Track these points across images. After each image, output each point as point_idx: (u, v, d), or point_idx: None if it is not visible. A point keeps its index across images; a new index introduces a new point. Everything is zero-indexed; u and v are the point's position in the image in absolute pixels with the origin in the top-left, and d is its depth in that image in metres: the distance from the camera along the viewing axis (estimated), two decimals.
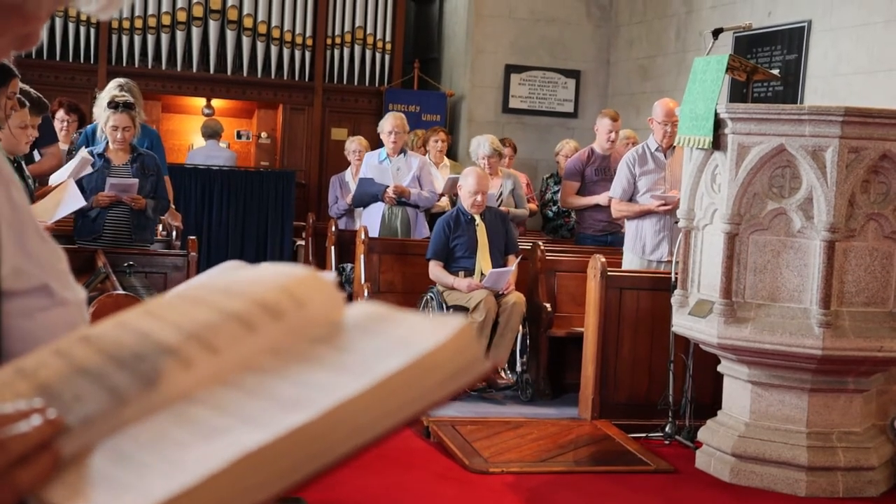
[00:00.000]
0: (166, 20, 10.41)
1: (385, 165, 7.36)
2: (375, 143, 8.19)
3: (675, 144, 5.71)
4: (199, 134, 10.25)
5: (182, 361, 0.76)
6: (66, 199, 5.16)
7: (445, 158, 8.36)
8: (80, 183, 5.49)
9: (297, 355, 0.77)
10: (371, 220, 7.29)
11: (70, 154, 6.29)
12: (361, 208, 7.59)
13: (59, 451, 0.73)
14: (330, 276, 0.91)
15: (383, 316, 0.80)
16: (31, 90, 5.23)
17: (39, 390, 0.77)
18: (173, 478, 0.68)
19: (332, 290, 0.83)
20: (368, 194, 7.37)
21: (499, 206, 7.03)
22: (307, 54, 10.80)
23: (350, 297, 7.02)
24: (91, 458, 0.73)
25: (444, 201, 7.71)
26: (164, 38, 10.43)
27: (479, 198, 6.40)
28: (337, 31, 10.89)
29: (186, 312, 0.81)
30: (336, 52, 10.89)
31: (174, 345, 0.77)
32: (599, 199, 7.31)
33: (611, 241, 7.33)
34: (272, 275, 0.84)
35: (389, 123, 7.41)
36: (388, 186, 7.23)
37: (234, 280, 0.85)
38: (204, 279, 0.99)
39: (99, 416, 0.75)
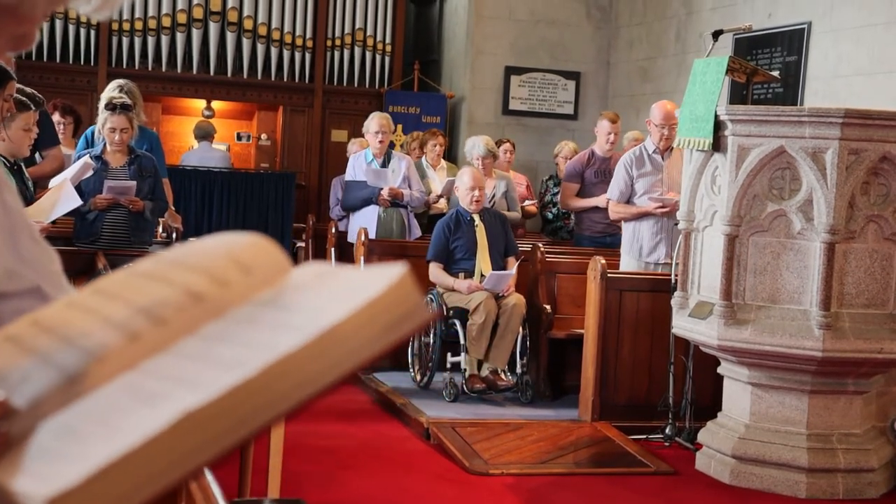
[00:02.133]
0: (166, 22, 10.42)
1: (374, 166, 7.33)
2: None
3: (674, 146, 5.71)
4: None
5: (129, 335, 0.77)
6: (63, 200, 5.15)
7: (442, 161, 8.36)
8: (78, 185, 5.48)
9: (240, 319, 0.78)
10: (366, 223, 7.25)
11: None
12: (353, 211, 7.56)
13: (5, 432, 0.74)
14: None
15: (326, 273, 0.81)
16: (25, 87, 5.21)
17: None
18: (112, 444, 0.68)
19: (277, 254, 0.84)
20: (360, 198, 7.34)
21: (491, 207, 7.03)
22: (307, 56, 10.81)
23: None
24: (35, 435, 0.74)
25: (443, 203, 7.70)
26: (165, 39, 10.43)
27: (476, 193, 6.40)
28: (337, 33, 10.90)
29: (134, 287, 0.82)
30: (336, 54, 10.90)
31: (121, 319, 0.78)
32: (598, 200, 7.31)
33: (610, 242, 7.33)
34: (218, 244, 0.85)
35: (376, 123, 7.36)
36: (381, 189, 7.21)
37: (181, 253, 0.86)
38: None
39: (46, 395, 0.75)
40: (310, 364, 0.72)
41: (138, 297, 0.80)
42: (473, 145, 7.47)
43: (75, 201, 5.22)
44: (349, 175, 7.52)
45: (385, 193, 7.20)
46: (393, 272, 0.76)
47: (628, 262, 6.34)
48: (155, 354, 0.77)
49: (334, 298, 0.76)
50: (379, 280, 0.75)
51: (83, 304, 0.82)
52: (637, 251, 6.28)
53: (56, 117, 7.05)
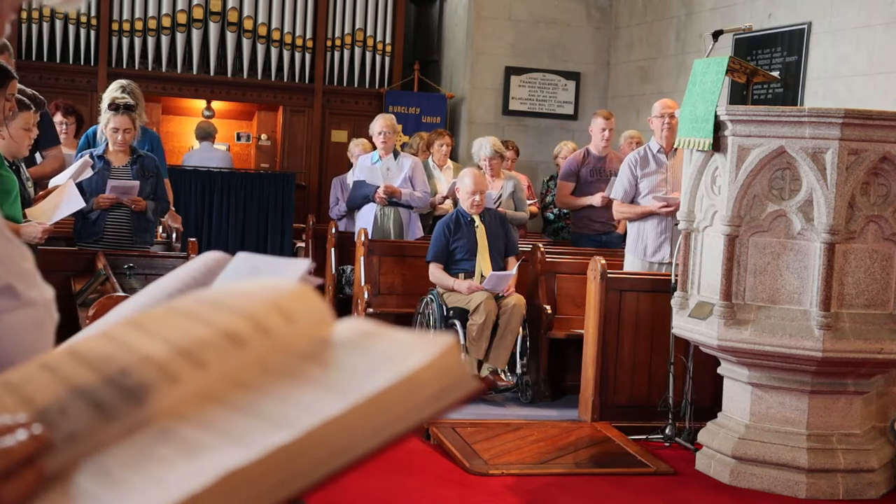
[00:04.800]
0: (166, 22, 10.42)
1: (376, 166, 7.37)
2: None
3: (675, 146, 5.71)
4: None
5: (169, 377, 0.76)
6: (66, 201, 5.14)
7: (449, 161, 8.37)
8: (80, 185, 5.48)
9: (284, 372, 0.77)
10: (365, 222, 7.29)
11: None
12: (355, 210, 7.60)
13: (43, 467, 0.72)
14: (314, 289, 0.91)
15: (371, 333, 0.79)
16: (26, 88, 5.21)
17: (25, 405, 0.76)
18: (154, 497, 0.67)
19: (321, 306, 0.82)
20: (360, 196, 7.38)
21: (497, 207, 7.03)
22: (307, 56, 10.81)
23: (350, 300, 7.03)
24: (75, 476, 0.72)
25: (448, 204, 7.71)
26: (165, 40, 10.44)
27: (477, 198, 6.41)
28: (337, 34, 10.90)
29: (174, 325, 0.80)
30: (336, 55, 10.90)
31: (161, 359, 0.77)
32: (593, 199, 7.34)
33: (605, 241, 7.36)
34: (262, 288, 0.84)
35: (378, 124, 7.44)
36: (377, 187, 7.24)
37: (224, 292, 0.85)
38: (183, 273, 0.99)
39: (84, 432, 0.74)
40: (354, 429, 0.71)
41: (178, 336, 0.79)
42: (481, 146, 7.47)
43: (78, 203, 5.22)
44: (355, 175, 7.57)
45: (380, 192, 7.22)
46: (441, 340, 0.75)
47: (632, 262, 6.34)
48: (195, 401, 0.75)
49: (381, 362, 0.75)
50: (426, 347, 0.75)
51: (121, 339, 0.80)
52: (642, 251, 6.29)
53: (58, 118, 7.05)
